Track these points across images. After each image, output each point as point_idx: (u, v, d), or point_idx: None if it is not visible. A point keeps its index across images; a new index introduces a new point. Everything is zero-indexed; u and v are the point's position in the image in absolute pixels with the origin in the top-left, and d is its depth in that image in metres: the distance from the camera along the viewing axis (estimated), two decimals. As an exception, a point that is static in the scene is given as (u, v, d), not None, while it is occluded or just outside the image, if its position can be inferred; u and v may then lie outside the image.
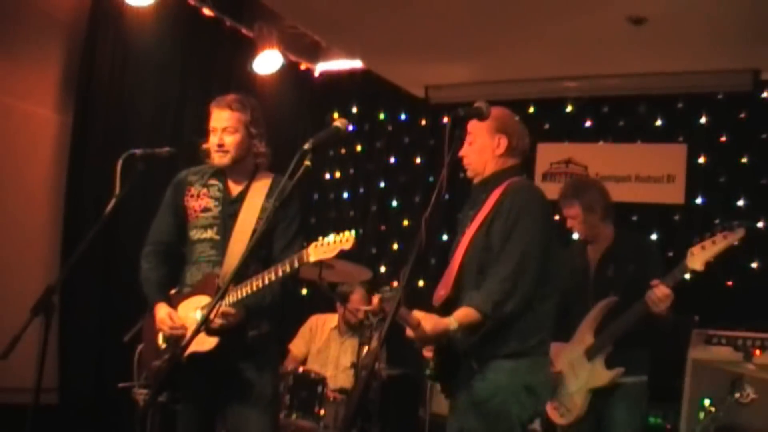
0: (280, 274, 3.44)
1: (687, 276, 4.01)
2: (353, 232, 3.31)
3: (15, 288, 5.20)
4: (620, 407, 4.28)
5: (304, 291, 7.27)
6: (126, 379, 4.88)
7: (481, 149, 3.64)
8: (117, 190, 3.55)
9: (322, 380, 5.28)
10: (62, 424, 5.51)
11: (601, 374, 4.25)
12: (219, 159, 3.80)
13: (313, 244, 3.35)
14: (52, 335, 3.33)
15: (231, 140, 3.77)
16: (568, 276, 4.20)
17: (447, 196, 5.72)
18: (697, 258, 3.97)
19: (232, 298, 3.54)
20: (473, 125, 3.57)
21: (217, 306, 3.13)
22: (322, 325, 6.20)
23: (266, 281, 3.48)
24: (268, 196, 3.78)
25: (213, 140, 3.80)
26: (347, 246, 3.30)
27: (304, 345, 6.16)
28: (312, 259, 3.36)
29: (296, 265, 3.41)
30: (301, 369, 5.46)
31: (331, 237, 3.32)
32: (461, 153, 3.65)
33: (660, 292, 3.99)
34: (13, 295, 4.94)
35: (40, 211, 5.80)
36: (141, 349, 3.97)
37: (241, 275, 3.42)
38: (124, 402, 4.84)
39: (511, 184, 3.56)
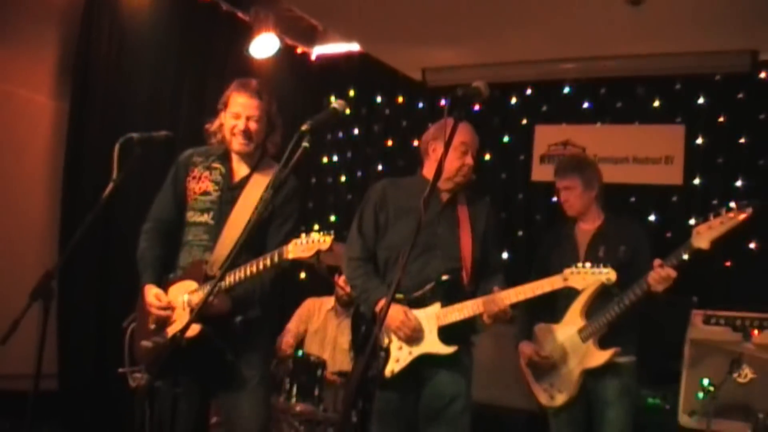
0: (261, 267, 3.47)
1: (686, 256, 4.01)
2: (332, 234, 3.38)
3: (14, 274, 5.20)
4: (612, 388, 4.28)
5: (303, 275, 7.27)
6: (125, 364, 4.89)
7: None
8: (114, 175, 3.54)
9: (321, 364, 5.30)
10: (62, 410, 5.53)
11: (595, 355, 4.25)
12: (242, 146, 3.80)
13: (293, 242, 3.40)
14: (51, 321, 3.32)
15: (257, 128, 3.79)
16: (555, 257, 4.20)
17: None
18: (704, 237, 3.96)
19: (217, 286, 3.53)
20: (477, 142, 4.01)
21: (210, 294, 3.19)
22: (318, 308, 6.21)
23: (248, 273, 3.50)
24: (269, 187, 3.73)
25: (237, 125, 3.78)
26: (324, 247, 3.36)
27: (301, 324, 6.16)
28: (290, 256, 3.40)
29: (276, 260, 3.44)
30: (300, 352, 5.46)
31: (312, 237, 3.37)
32: (469, 161, 3.95)
33: (665, 272, 3.99)
34: (12, 280, 4.94)
35: (39, 197, 5.80)
36: (132, 329, 3.97)
37: (232, 264, 3.42)
38: (124, 387, 4.85)
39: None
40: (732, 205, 3.91)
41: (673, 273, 3.99)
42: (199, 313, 3.43)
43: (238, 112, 3.77)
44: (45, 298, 3.23)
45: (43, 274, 3.27)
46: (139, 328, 3.91)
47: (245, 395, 3.73)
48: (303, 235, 3.39)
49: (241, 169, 3.87)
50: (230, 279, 3.52)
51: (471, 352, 4.04)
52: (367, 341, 3.83)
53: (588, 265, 3.76)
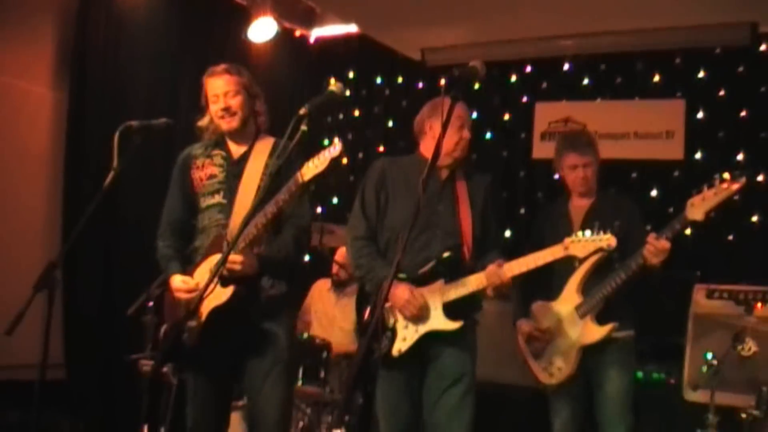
0: (281, 203, 3.47)
1: (688, 230, 4.01)
2: (339, 140, 3.36)
3: (18, 265, 5.22)
4: (611, 363, 4.29)
5: (306, 257, 7.28)
6: (132, 351, 4.92)
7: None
8: (115, 164, 3.55)
9: (326, 346, 5.32)
10: (70, 399, 5.56)
11: (593, 331, 4.25)
12: (227, 124, 3.83)
13: (305, 165, 3.37)
14: (56, 311, 3.34)
15: (235, 102, 3.81)
16: (550, 235, 4.20)
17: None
18: (698, 209, 3.97)
19: (240, 241, 3.51)
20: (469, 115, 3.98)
21: (226, 258, 3.20)
22: (320, 290, 6.22)
23: (269, 215, 3.49)
24: (271, 155, 3.78)
25: (216, 107, 3.82)
26: (336, 153, 3.32)
27: (307, 312, 6.19)
28: (307, 177, 3.37)
29: (293, 189, 3.43)
30: (306, 335, 5.48)
31: (321, 152, 3.34)
32: (466, 135, 3.94)
33: (660, 245, 3.99)
34: (16, 272, 4.95)
35: (40, 188, 5.80)
36: (165, 329, 3.98)
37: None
38: (131, 374, 4.89)
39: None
40: (725, 176, 3.92)
41: (667, 245, 3.99)
42: (226, 276, 3.53)
43: (215, 93, 3.81)
44: (49, 288, 3.25)
45: (47, 264, 3.29)
46: (170, 318, 3.92)
47: (272, 378, 3.73)
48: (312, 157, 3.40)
49: (239, 147, 3.91)
50: (252, 231, 3.51)
51: (475, 330, 4.05)
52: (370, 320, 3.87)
53: (588, 233, 3.76)
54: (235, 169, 3.84)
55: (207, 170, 3.89)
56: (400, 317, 3.89)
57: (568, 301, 4.33)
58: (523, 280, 3.97)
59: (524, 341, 4.47)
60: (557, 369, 4.34)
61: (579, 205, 4.51)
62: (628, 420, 4.28)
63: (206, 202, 3.85)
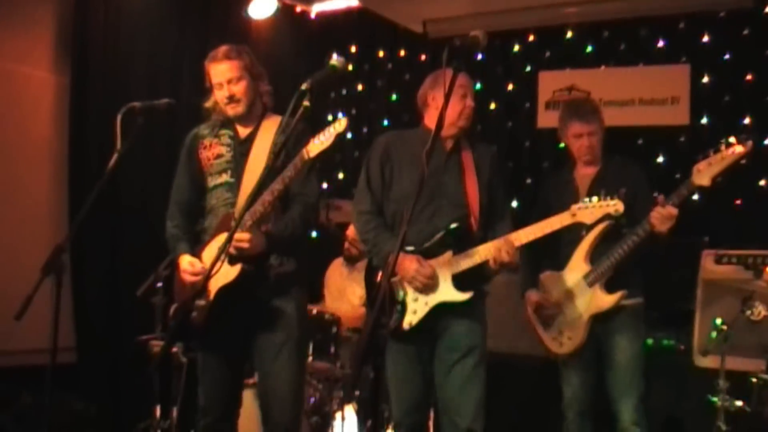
0: (287, 180, 3.48)
1: (695, 196, 4.00)
2: (346, 117, 3.38)
3: (25, 250, 5.24)
4: (621, 331, 4.30)
5: (314, 234, 7.28)
6: (142, 332, 4.94)
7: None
8: (119, 145, 3.55)
9: (336, 321, 5.32)
10: (82, 382, 5.59)
11: (603, 299, 4.25)
12: (233, 110, 3.84)
13: (310, 142, 3.38)
14: (65, 294, 3.35)
15: (239, 89, 3.80)
16: (556, 204, 4.19)
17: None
18: (704, 174, 3.95)
19: (247, 219, 3.53)
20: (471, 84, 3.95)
21: (232, 236, 3.19)
22: (334, 266, 6.21)
23: (275, 193, 3.49)
24: (279, 132, 3.73)
25: (221, 94, 3.82)
26: (341, 128, 3.34)
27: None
28: (312, 154, 3.39)
29: (299, 166, 3.44)
30: (315, 311, 5.48)
31: (326, 128, 3.35)
32: (470, 104, 3.93)
33: (666, 212, 3.98)
34: (23, 256, 4.98)
35: (45, 172, 5.80)
36: (174, 308, 3.99)
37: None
38: (142, 355, 4.90)
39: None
40: (731, 140, 3.89)
41: (674, 211, 3.98)
42: (234, 254, 3.54)
43: (219, 81, 3.81)
44: (57, 272, 3.26)
45: (54, 248, 3.30)
46: (179, 298, 3.91)
47: (282, 360, 3.74)
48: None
49: (246, 126, 3.91)
50: (258, 208, 3.52)
51: (484, 301, 4.05)
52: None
53: (594, 198, 3.76)
54: (242, 148, 3.85)
55: (214, 150, 3.90)
56: (409, 290, 3.89)
57: (576, 269, 4.32)
58: (530, 250, 3.96)
59: (533, 311, 4.47)
60: (567, 338, 4.35)
61: (584, 173, 4.49)
62: (639, 387, 4.30)
63: (214, 181, 3.86)
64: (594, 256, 4.28)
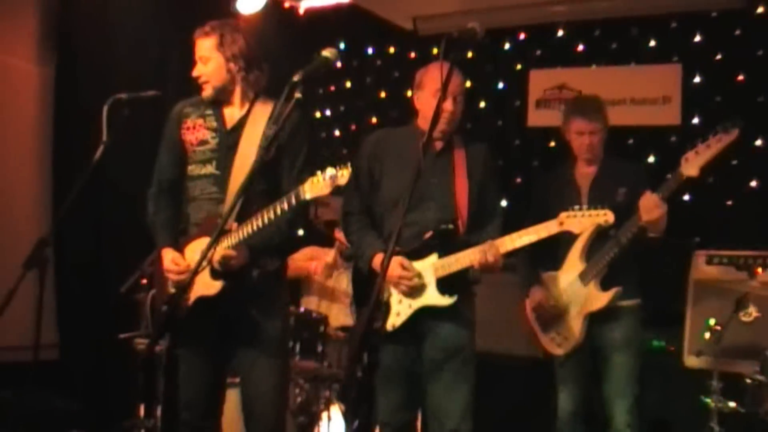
0: (279, 212, 3.32)
1: (686, 197, 3.96)
2: (349, 167, 3.23)
3: (8, 244, 5.16)
4: (618, 332, 4.27)
5: (301, 231, 7.22)
6: (126, 329, 4.88)
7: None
8: (104, 137, 3.48)
9: (323, 320, 5.27)
10: (65, 379, 5.52)
11: (597, 297, 4.21)
12: (203, 92, 3.68)
13: (309, 180, 3.23)
14: (48, 290, 3.29)
15: (205, 70, 3.64)
16: (556, 202, 4.14)
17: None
18: (692, 164, 3.94)
19: (234, 238, 3.42)
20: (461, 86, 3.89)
21: (214, 246, 3.07)
22: (322, 258, 6.11)
23: (265, 220, 3.35)
24: (270, 122, 3.57)
25: (195, 72, 3.68)
26: (342, 181, 3.21)
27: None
28: (308, 196, 3.23)
29: (293, 202, 3.28)
30: (302, 309, 5.42)
31: (328, 172, 3.21)
32: (449, 108, 3.83)
33: (651, 200, 3.94)
34: (6, 251, 4.90)
35: (29, 164, 5.74)
36: (153, 294, 3.91)
37: (244, 212, 3.38)
38: (126, 353, 4.84)
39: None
40: (718, 128, 3.87)
41: (655, 198, 3.95)
42: (213, 268, 3.43)
43: (196, 57, 3.66)
44: (40, 267, 3.20)
45: (37, 241, 3.23)
46: (159, 293, 3.83)
47: (267, 356, 3.65)
48: (318, 172, 3.23)
49: (234, 113, 3.71)
50: (247, 229, 3.39)
51: (473, 303, 4.00)
52: (367, 296, 3.80)
53: (585, 207, 3.69)
54: (229, 139, 3.64)
55: (198, 133, 3.68)
56: (394, 292, 3.85)
57: (571, 268, 4.29)
58: (528, 253, 3.91)
59: (533, 310, 4.42)
60: (564, 339, 4.31)
61: (585, 171, 4.45)
62: (635, 389, 4.26)
63: (197, 170, 3.66)
64: (589, 254, 4.24)
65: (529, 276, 4.47)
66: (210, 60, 3.63)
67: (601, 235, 4.16)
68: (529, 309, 4.45)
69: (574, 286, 4.28)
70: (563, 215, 3.68)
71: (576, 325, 4.26)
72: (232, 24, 3.72)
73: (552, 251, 4.29)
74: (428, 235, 3.82)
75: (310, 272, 5.81)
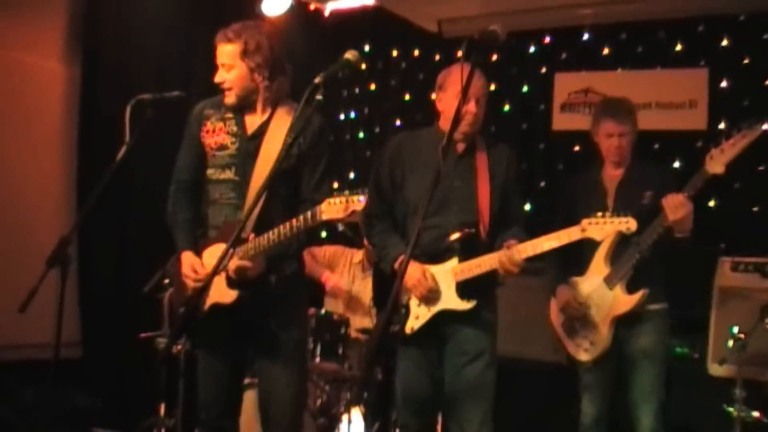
0: (295, 229, 3.33)
1: (712, 203, 3.92)
2: (366, 193, 3.23)
3: (33, 242, 5.18)
4: (645, 337, 4.23)
5: (324, 234, 7.22)
6: (148, 329, 4.89)
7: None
8: (127, 138, 3.50)
9: (344, 321, 5.27)
10: (87, 377, 5.55)
11: (624, 300, 4.18)
12: (226, 98, 3.65)
13: (326, 202, 3.23)
14: (71, 288, 3.31)
15: (228, 77, 3.60)
16: (583, 204, 4.10)
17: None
18: (717, 161, 3.91)
19: (250, 248, 3.43)
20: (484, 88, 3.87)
21: (230, 254, 3.08)
22: (349, 258, 6.07)
23: (281, 236, 3.36)
24: (290, 131, 3.54)
25: (216, 77, 3.64)
26: (359, 207, 3.21)
27: (323, 262, 6.08)
28: (324, 217, 3.23)
29: (309, 221, 3.28)
30: (323, 311, 5.42)
31: (346, 196, 3.22)
32: (472, 110, 3.82)
33: (676, 199, 3.92)
34: (31, 249, 4.91)
35: (54, 164, 5.78)
36: (170, 294, 3.92)
37: (263, 220, 3.39)
38: (148, 352, 4.86)
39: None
40: (743, 125, 3.83)
41: (681, 197, 3.91)
42: (234, 279, 3.45)
43: (218, 63, 3.62)
44: (62, 265, 3.21)
45: (59, 240, 3.25)
46: (177, 295, 3.84)
47: (282, 363, 3.64)
48: (336, 194, 3.23)
49: (255, 118, 3.68)
50: (263, 241, 3.40)
51: (495, 307, 3.98)
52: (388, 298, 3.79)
53: (608, 214, 3.65)
54: (249, 145, 3.63)
55: (218, 137, 3.67)
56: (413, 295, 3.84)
57: (596, 273, 4.26)
58: (557, 254, 3.88)
59: (561, 311, 4.38)
60: (590, 344, 4.28)
61: (613, 174, 4.42)
62: (660, 394, 4.22)
63: (216, 175, 3.66)
64: (615, 257, 4.21)
65: (558, 277, 4.43)
66: (233, 68, 3.59)
67: (626, 237, 4.13)
68: (557, 310, 4.42)
69: (600, 291, 4.24)
70: (585, 222, 3.66)
71: (603, 330, 4.22)
72: (255, 27, 3.65)
73: (578, 256, 4.26)
74: (454, 236, 3.80)
75: (321, 280, 5.79)
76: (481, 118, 3.89)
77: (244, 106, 3.68)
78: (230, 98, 3.64)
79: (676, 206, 3.93)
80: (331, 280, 5.82)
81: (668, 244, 4.08)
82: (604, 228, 3.63)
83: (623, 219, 3.61)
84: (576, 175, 4.75)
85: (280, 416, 3.68)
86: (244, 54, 3.57)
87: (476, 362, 3.83)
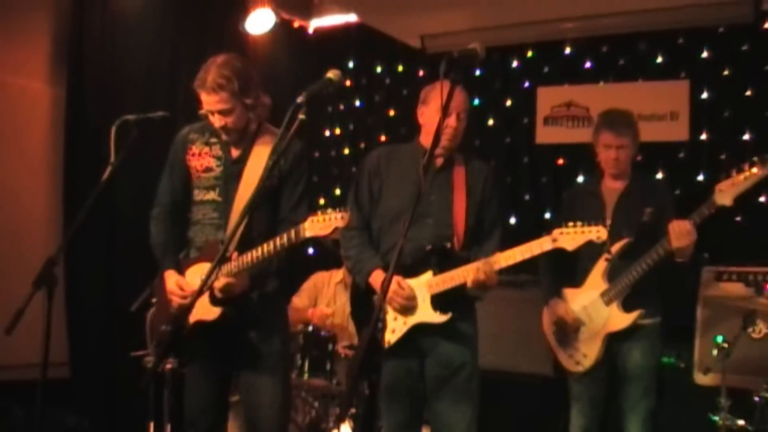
0: (278, 247, 3.40)
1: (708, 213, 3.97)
2: (348, 210, 3.31)
3: (19, 263, 5.18)
4: (636, 351, 4.27)
5: (311, 250, 7.24)
6: (137, 348, 4.88)
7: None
8: (112, 158, 3.52)
9: (332, 338, 5.27)
10: (76, 397, 5.53)
11: (620, 318, 4.21)
12: (225, 136, 3.73)
13: (309, 219, 3.31)
14: (59, 309, 3.32)
15: (230, 120, 3.66)
16: (580, 215, 4.13)
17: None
18: (726, 194, 3.94)
19: (234, 267, 3.50)
20: (465, 103, 3.88)
21: (215, 273, 3.12)
22: (327, 281, 6.14)
23: (265, 254, 3.43)
24: (272, 155, 3.58)
25: (214, 121, 3.67)
26: (342, 224, 3.28)
27: (307, 299, 6.11)
28: (308, 234, 3.31)
29: (293, 239, 3.36)
30: (310, 328, 5.43)
31: (328, 213, 3.29)
32: (452, 124, 3.83)
33: (681, 226, 3.95)
34: (16, 270, 4.91)
35: (40, 184, 5.78)
36: (152, 313, 3.95)
37: (245, 239, 3.43)
38: (136, 371, 4.85)
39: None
40: (755, 159, 3.86)
41: (687, 225, 3.95)
42: (212, 294, 3.50)
43: (209, 110, 3.66)
44: (49, 285, 3.22)
45: (46, 260, 3.26)
46: (159, 313, 3.89)
47: (266, 377, 3.70)
48: (320, 212, 3.30)
49: (240, 142, 3.78)
50: (246, 259, 3.47)
51: (474, 319, 3.99)
52: (364, 312, 3.81)
53: (579, 223, 3.65)
54: (233, 168, 3.74)
55: (203, 161, 3.78)
56: (389, 308, 3.85)
57: (593, 287, 4.29)
58: (550, 261, 3.88)
59: (553, 323, 4.40)
60: (583, 356, 4.30)
61: (612, 186, 4.45)
62: (650, 404, 4.27)
63: (201, 195, 3.77)
64: (612, 274, 4.24)
65: (551, 288, 4.46)
66: (232, 111, 3.64)
67: (626, 254, 4.16)
68: (549, 322, 4.44)
69: (596, 305, 4.28)
70: (556, 231, 3.67)
71: (596, 344, 4.26)
72: (233, 62, 3.66)
73: (571, 267, 4.29)
74: (421, 255, 3.83)
75: (311, 321, 5.81)
76: (461, 132, 3.92)
77: (234, 141, 3.78)
78: (231, 136, 3.73)
79: (681, 234, 3.96)
80: (315, 313, 5.84)
81: (667, 264, 4.10)
82: (575, 238, 3.63)
83: (594, 228, 3.61)
84: (575, 186, 4.78)
85: (267, 427, 3.71)
86: (240, 94, 3.63)
87: (458, 375, 3.86)
